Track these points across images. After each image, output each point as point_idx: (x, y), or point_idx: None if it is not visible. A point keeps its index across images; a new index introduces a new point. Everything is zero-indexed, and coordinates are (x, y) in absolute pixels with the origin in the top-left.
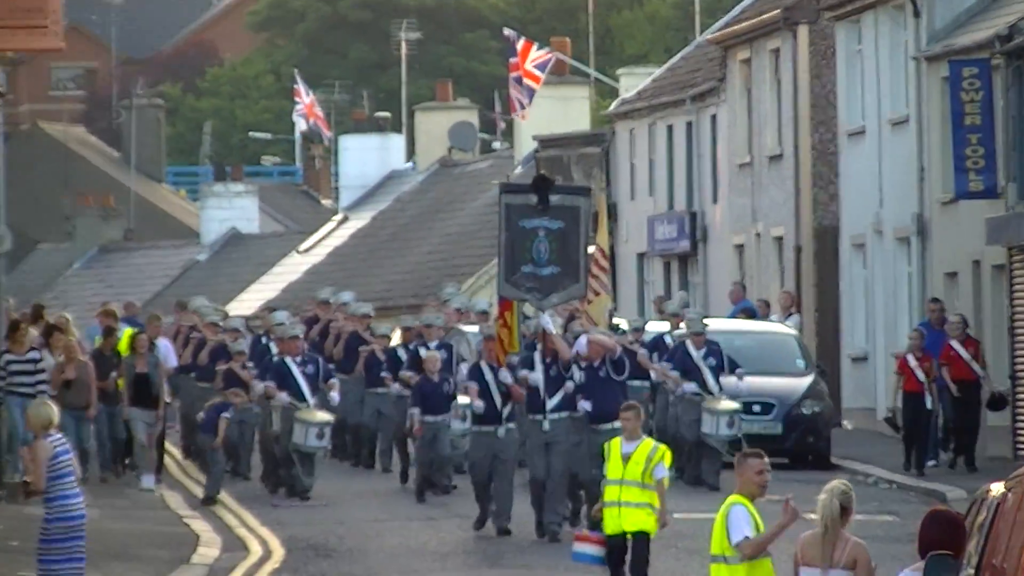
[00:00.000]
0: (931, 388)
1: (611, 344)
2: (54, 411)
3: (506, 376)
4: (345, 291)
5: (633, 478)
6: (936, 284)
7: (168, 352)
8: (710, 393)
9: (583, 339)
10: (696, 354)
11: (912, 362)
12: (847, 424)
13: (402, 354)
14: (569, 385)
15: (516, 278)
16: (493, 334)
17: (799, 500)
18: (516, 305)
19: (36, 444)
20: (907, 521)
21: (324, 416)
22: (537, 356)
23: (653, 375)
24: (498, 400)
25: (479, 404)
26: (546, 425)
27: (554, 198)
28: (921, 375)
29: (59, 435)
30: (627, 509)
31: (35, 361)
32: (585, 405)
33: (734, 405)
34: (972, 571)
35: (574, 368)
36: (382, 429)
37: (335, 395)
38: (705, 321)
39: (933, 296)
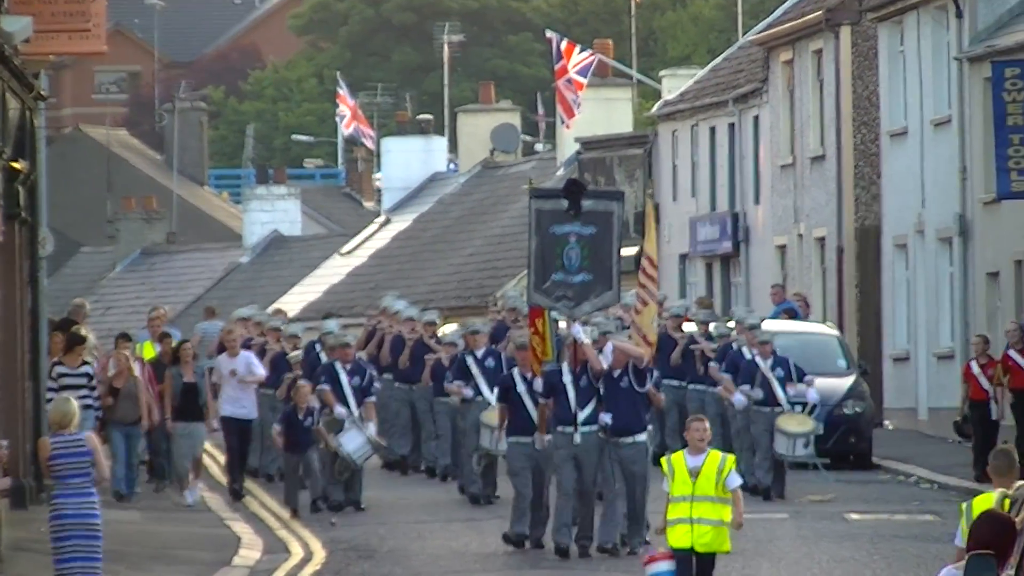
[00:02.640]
0: (996, 395)
1: (636, 352)
2: (71, 410)
3: (540, 386)
4: (400, 300)
5: (705, 493)
6: (978, 284)
7: (253, 361)
8: (778, 405)
9: (609, 347)
10: (763, 364)
11: (976, 369)
12: (889, 424)
13: (469, 361)
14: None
15: (547, 286)
16: (525, 343)
17: (840, 500)
18: (548, 312)
19: (39, 442)
20: (948, 521)
21: (376, 440)
22: (566, 366)
23: (721, 389)
24: (531, 411)
25: (500, 443)
26: (577, 438)
27: (586, 203)
28: (985, 382)
29: (73, 436)
30: (701, 527)
31: (89, 376)
32: (605, 418)
33: (809, 425)
34: (1012, 572)
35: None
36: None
37: (373, 427)
38: (769, 329)
39: None
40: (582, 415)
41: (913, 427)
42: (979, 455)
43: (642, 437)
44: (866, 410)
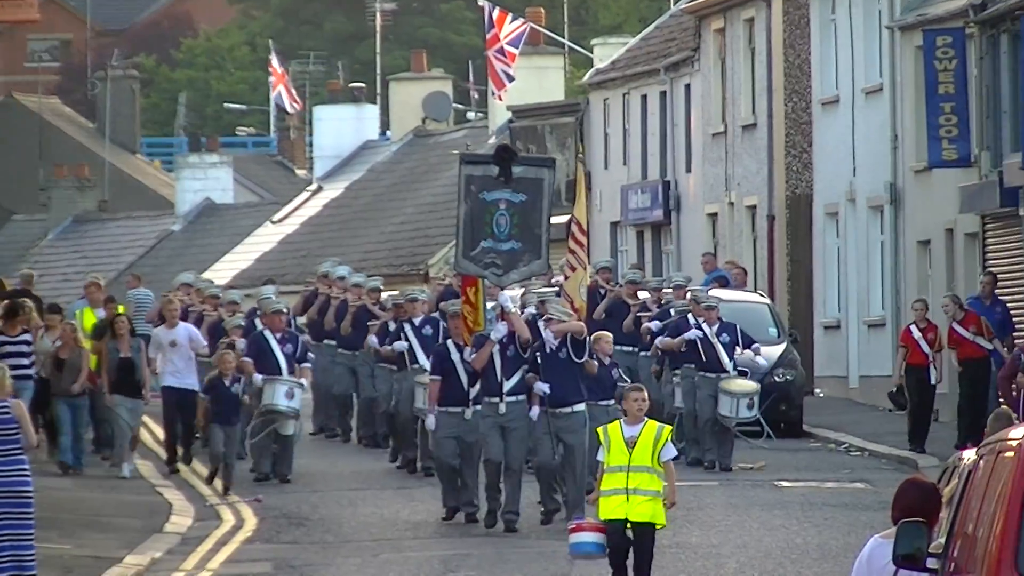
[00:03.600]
0: (936, 361)
1: (576, 328)
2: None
3: (469, 356)
4: (343, 266)
5: (641, 463)
6: (909, 252)
7: (195, 332)
8: (724, 371)
9: (549, 334)
10: (709, 331)
11: (916, 333)
12: (819, 392)
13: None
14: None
15: (475, 253)
16: (457, 311)
17: (771, 467)
18: (482, 282)
19: None
20: (879, 488)
21: (294, 379)
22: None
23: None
24: (464, 381)
25: (433, 417)
26: (502, 408)
27: (517, 170)
28: (925, 347)
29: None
30: (637, 498)
31: (28, 343)
32: (543, 387)
33: (753, 386)
34: (943, 539)
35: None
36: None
37: (305, 383)
38: (713, 294)
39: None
40: (508, 385)
41: (844, 395)
42: (916, 421)
43: (580, 407)
44: (797, 378)
